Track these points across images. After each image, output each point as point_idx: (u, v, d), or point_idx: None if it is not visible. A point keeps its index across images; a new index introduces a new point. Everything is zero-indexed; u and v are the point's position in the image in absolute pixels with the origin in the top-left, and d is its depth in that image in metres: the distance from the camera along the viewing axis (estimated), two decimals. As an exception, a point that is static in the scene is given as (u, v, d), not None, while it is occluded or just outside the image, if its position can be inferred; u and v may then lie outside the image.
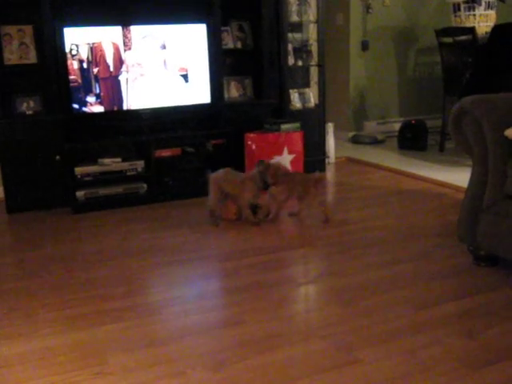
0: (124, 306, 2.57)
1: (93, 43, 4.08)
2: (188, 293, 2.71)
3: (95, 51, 4.10)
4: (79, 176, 4.10)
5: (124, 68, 4.21)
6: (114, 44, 4.14)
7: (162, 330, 2.33)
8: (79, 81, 4.10)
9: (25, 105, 4.15)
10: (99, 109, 4.19)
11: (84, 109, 4.16)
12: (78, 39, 4.04)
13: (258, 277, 2.85)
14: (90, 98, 4.15)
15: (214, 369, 2.03)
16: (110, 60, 4.15)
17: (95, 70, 4.13)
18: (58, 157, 4.13)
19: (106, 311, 2.53)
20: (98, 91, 4.16)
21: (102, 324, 2.40)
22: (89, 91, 4.14)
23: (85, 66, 4.09)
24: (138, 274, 2.96)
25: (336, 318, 2.38)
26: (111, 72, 4.18)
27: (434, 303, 2.49)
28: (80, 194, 4.10)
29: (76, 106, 4.13)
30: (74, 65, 4.06)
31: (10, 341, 2.29)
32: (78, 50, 4.05)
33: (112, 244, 3.43)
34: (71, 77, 4.07)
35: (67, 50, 4.02)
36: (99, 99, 4.18)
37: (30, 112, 4.16)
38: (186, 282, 2.84)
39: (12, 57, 4.09)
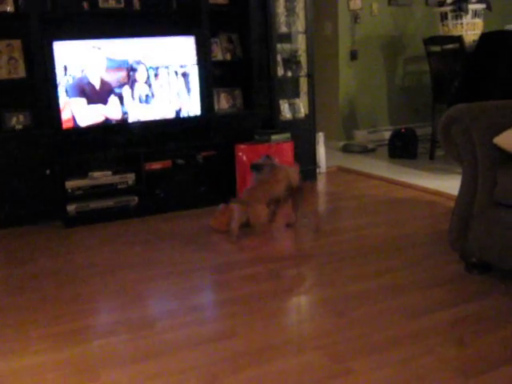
0: (116, 320, 2.55)
1: (82, 56, 4.08)
2: (181, 305, 2.70)
3: (85, 64, 4.09)
4: (70, 190, 4.09)
5: (113, 81, 4.20)
6: (103, 57, 4.14)
7: (155, 344, 2.32)
8: (68, 94, 4.08)
9: (14, 119, 4.13)
10: (89, 122, 4.18)
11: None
12: (68, 53, 4.03)
13: (250, 288, 2.84)
14: (80, 112, 4.14)
15: (208, 382, 2.02)
16: (99, 73, 4.14)
17: (85, 83, 4.12)
18: (48, 171, 4.12)
19: (97, 326, 2.51)
20: (87, 104, 4.15)
21: (94, 339, 2.39)
22: (78, 105, 4.13)
23: (74, 79, 4.08)
24: (130, 287, 2.94)
25: (329, 329, 2.38)
26: (101, 85, 4.17)
27: (427, 312, 2.49)
28: (71, 207, 4.08)
29: (66, 119, 4.11)
30: (63, 78, 4.05)
31: (1, 358, 2.27)
32: (67, 64, 4.04)
33: (103, 257, 3.42)
34: (60, 90, 4.05)
35: (56, 63, 4.01)
36: (89, 113, 4.17)
37: (20, 127, 4.14)
38: (178, 295, 2.82)
39: (0, 72, 4.08)
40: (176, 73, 4.39)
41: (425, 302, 2.60)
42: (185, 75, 4.42)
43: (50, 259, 3.43)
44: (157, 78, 4.33)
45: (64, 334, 2.44)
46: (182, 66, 4.40)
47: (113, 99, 4.21)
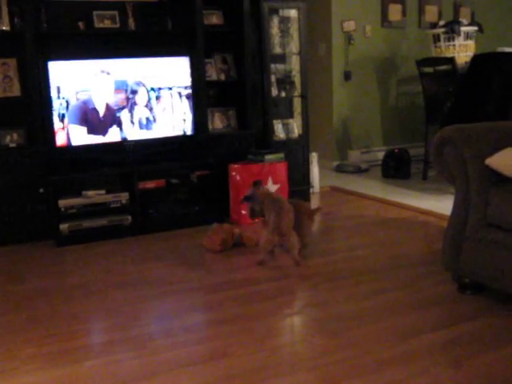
0: (108, 340, 2.54)
1: (76, 76, 4.10)
2: (174, 325, 2.68)
3: (79, 84, 4.11)
4: (63, 208, 4.07)
5: (108, 101, 4.22)
6: (97, 77, 4.16)
7: (147, 364, 2.30)
8: (63, 114, 4.09)
9: (8, 138, 4.13)
10: (83, 141, 4.19)
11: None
12: (62, 73, 4.05)
13: (243, 309, 2.83)
14: (74, 131, 4.15)
15: (200, 403, 2.01)
16: (93, 93, 4.16)
17: (79, 103, 4.14)
18: (41, 189, 4.11)
19: (90, 345, 2.49)
20: (81, 124, 4.16)
21: (86, 359, 2.37)
22: (72, 124, 4.14)
23: (68, 99, 4.09)
24: (122, 306, 2.92)
25: (322, 350, 2.37)
26: (95, 105, 4.18)
27: (420, 332, 2.48)
28: (64, 226, 4.06)
29: (60, 138, 4.12)
30: (57, 98, 4.06)
31: (-9, 378, 2.25)
32: (61, 84, 4.06)
33: (96, 277, 3.40)
34: (54, 110, 4.07)
35: (51, 83, 4.03)
36: (83, 132, 4.17)
37: (14, 145, 4.15)
38: (171, 315, 2.81)
39: (-4, 90, 4.10)
40: (170, 93, 4.41)
41: (418, 322, 2.59)
42: (180, 95, 4.45)
43: (42, 278, 3.41)
44: (151, 98, 4.34)
45: (56, 353, 2.42)
46: (177, 87, 4.42)
47: (107, 118, 4.22)
